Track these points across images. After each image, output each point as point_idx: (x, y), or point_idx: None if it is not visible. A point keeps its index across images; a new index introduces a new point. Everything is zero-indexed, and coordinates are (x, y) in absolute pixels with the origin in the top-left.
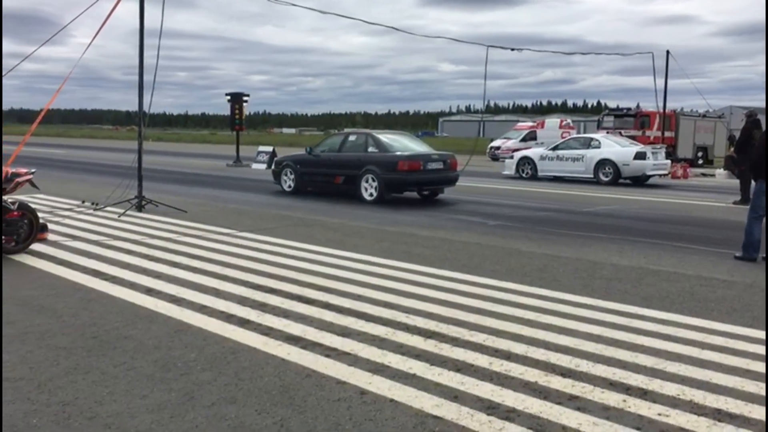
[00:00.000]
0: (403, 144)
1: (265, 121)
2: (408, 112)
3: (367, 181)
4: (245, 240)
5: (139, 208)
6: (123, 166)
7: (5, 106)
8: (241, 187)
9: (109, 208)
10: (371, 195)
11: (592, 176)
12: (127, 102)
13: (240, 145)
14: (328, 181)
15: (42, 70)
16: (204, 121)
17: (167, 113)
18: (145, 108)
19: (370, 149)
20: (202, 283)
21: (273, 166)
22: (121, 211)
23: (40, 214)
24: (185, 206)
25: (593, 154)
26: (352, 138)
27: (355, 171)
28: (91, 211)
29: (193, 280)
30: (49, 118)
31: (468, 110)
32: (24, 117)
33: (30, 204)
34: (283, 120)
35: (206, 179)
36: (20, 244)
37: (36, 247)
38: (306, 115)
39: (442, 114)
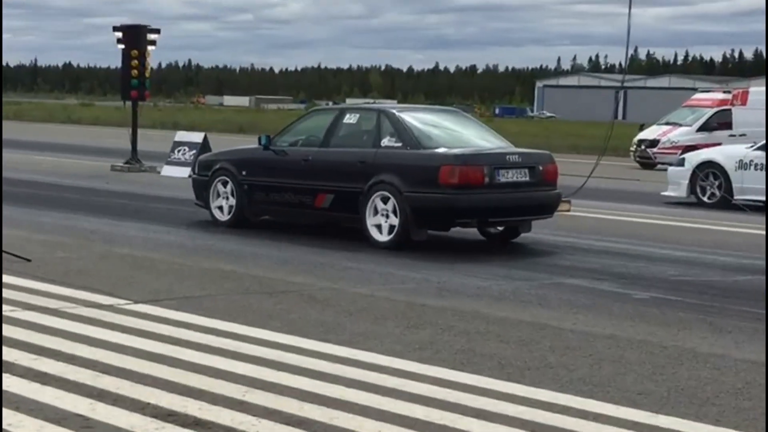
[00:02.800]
0: (450, 132)
1: (190, 82)
2: (474, 68)
3: (378, 205)
4: (144, 320)
5: None
6: None
7: None
8: (140, 212)
9: None
10: (386, 232)
11: None
12: None
13: (139, 128)
14: (301, 202)
15: None
16: (72, 78)
17: None
18: None
19: (386, 141)
20: (63, 409)
21: (195, 171)
22: None
23: None
24: (29, 248)
25: None
26: (350, 119)
27: (355, 184)
28: None
29: (41, 399)
30: None
31: (593, 66)
32: None
33: None
34: (227, 80)
35: (73, 196)
36: None
37: None
38: (272, 71)
39: (540, 73)
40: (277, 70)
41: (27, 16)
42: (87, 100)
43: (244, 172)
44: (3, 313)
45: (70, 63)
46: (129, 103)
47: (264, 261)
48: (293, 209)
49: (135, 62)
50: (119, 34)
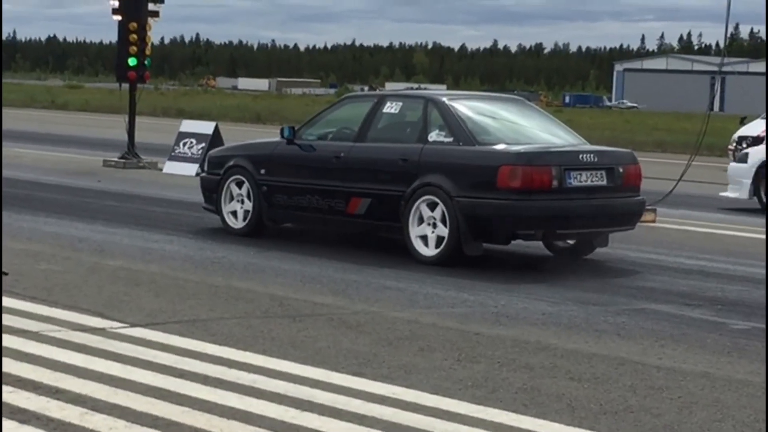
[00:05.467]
0: (511, 125)
1: (198, 61)
2: (540, 47)
3: (423, 212)
4: (142, 347)
5: None
6: None
7: None
8: (137, 217)
9: None
10: (433, 244)
11: None
12: None
13: (137, 116)
14: (331, 207)
15: None
16: (57, 55)
17: None
18: None
19: (434, 135)
20: None
21: (205, 169)
22: None
23: None
24: (5, 260)
25: None
26: (391, 108)
27: (396, 187)
28: None
29: None
30: None
31: (684, 47)
32: None
33: None
34: (242, 59)
35: (58, 197)
36: None
37: None
38: (296, 48)
39: (621, 54)
40: (302, 48)
41: None
42: (75, 81)
43: (262, 171)
44: None
45: (54, 36)
46: (125, 86)
47: (286, 278)
48: (321, 215)
49: (133, 36)
50: (115, 3)
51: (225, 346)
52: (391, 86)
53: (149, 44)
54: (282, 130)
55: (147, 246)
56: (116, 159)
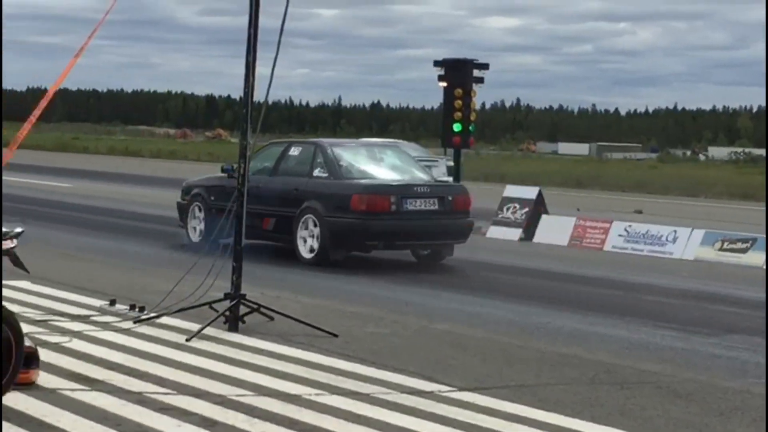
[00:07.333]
0: (377, 165)
1: (519, 126)
2: None
3: (305, 228)
4: (470, 411)
5: (235, 322)
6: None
7: None
8: (462, 281)
9: (166, 320)
10: (310, 251)
11: None
12: (213, 75)
13: (463, 180)
14: (254, 224)
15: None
16: (380, 120)
17: (294, 103)
18: (261, 92)
19: (317, 171)
20: None
21: (180, 196)
22: (193, 328)
23: (26, 328)
24: (337, 322)
25: None
26: (294, 151)
27: (290, 209)
28: (129, 325)
29: None
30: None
31: None
32: None
33: (6, 306)
34: (562, 123)
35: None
36: None
37: (12, 398)
38: (617, 112)
39: None
40: (623, 112)
41: (328, 48)
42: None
43: (212, 198)
44: (308, 397)
45: (378, 102)
46: (452, 151)
47: (612, 344)
48: (248, 231)
49: (458, 103)
50: (441, 70)
51: (553, 412)
52: (714, 151)
53: (473, 110)
54: (222, 167)
55: (472, 310)
56: None
